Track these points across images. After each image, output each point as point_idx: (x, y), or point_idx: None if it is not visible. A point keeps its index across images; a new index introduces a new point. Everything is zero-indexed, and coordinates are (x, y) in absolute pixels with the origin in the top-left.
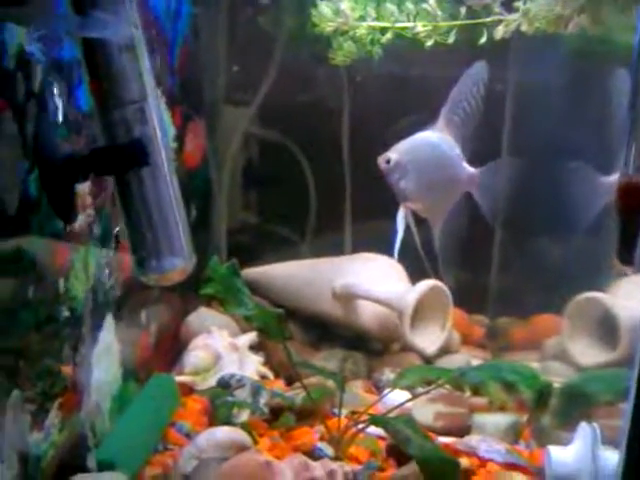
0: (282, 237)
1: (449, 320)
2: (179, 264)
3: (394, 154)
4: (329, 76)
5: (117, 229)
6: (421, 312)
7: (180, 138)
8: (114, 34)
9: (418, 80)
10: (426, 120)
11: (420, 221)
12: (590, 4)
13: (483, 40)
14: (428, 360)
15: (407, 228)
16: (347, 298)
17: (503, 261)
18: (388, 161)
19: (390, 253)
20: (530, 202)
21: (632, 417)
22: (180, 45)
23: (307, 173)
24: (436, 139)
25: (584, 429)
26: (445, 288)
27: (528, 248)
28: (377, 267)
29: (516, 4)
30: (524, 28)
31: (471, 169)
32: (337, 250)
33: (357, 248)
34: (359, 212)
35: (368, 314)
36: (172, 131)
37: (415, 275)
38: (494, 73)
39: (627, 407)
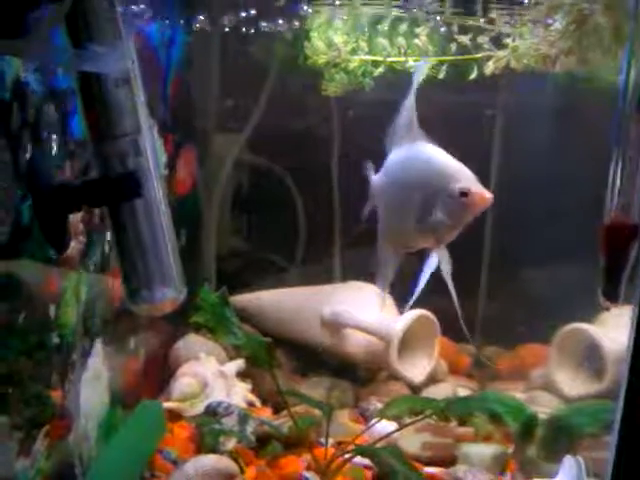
0: (272, 264)
1: (436, 349)
2: (170, 294)
3: None
4: (320, 105)
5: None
6: (408, 341)
7: (171, 165)
8: (110, 68)
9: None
10: None
11: None
12: (576, 46)
13: (473, 75)
14: (415, 389)
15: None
16: (335, 326)
17: (490, 290)
18: None
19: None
20: (517, 231)
21: (617, 450)
22: (173, 73)
23: (297, 200)
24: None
25: (569, 461)
26: (433, 318)
27: (515, 278)
28: (365, 296)
29: (505, 41)
30: (513, 64)
31: None
32: (326, 277)
33: (346, 275)
34: (348, 239)
35: (356, 343)
36: (164, 158)
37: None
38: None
39: (612, 440)
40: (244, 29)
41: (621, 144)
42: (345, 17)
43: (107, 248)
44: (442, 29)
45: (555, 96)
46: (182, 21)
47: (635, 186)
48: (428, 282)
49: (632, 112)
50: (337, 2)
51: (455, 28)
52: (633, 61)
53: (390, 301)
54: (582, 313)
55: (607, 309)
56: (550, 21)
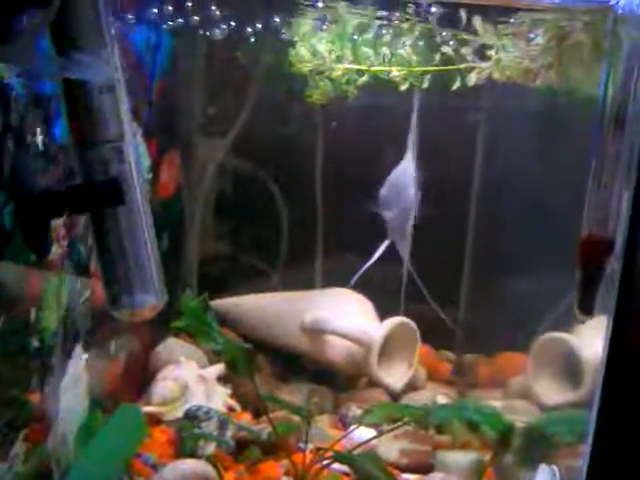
0: (253, 268)
1: (416, 357)
2: (151, 300)
3: (383, 189)
4: (304, 112)
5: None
6: (388, 348)
7: (155, 169)
8: (95, 76)
9: (391, 116)
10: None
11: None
12: (557, 61)
13: (456, 86)
14: (394, 396)
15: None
16: (316, 332)
17: (470, 298)
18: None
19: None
20: (498, 240)
21: (590, 458)
22: (158, 78)
23: (280, 205)
24: (403, 172)
25: (544, 470)
26: (413, 325)
27: (496, 286)
28: (346, 302)
29: (488, 53)
30: (495, 76)
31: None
32: (308, 283)
33: (328, 281)
34: (331, 245)
35: (336, 349)
36: (147, 162)
37: (383, 311)
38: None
39: (586, 448)
40: (229, 35)
41: (599, 158)
42: (329, 25)
43: (88, 252)
44: (426, 39)
45: (535, 109)
46: (167, 26)
47: (612, 200)
48: (408, 290)
49: (610, 127)
50: (321, 11)
51: (439, 39)
52: (611, 77)
53: (371, 308)
54: (560, 322)
55: (582, 322)
56: (532, 36)
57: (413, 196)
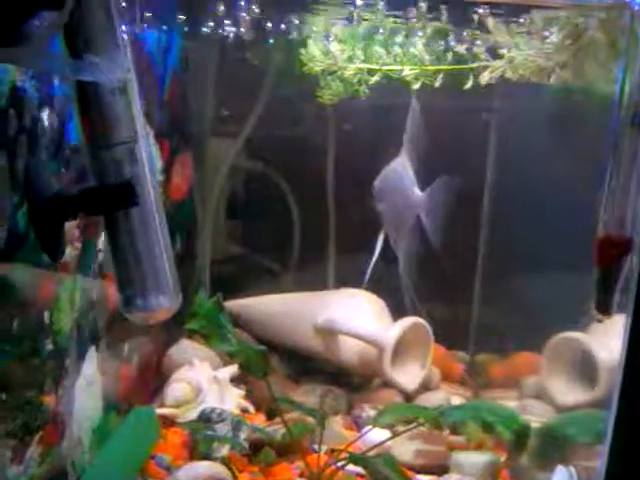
0: (266, 269)
1: (429, 357)
2: (165, 303)
3: (377, 181)
4: (315, 112)
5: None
6: (402, 348)
7: (167, 170)
8: (107, 78)
9: (402, 116)
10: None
11: None
12: (572, 59)
13: (469, 85)
14: (408, 396)
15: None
16: (329, 333)
17: (484, 297)
18: (374, 188)
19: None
20: (512, 239)
21: (608, 459)
22: (169, 78)
23: (292, 205)
24: (397, 165)
25: (561, 471)
26: (426, 325)
27: (510, 285)
28: (359, 303)
29: (501, 51)
30: (508, 75)
31: (418, 192)
32: (321, 283)
33: (340, 281)
34: (343, 245)
35: (349, 350)
36: (159, 164)
37: (397, 311)
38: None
39: (603, 449)
40: (241, 35)
41: (615, 157)
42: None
43: (102, 254)
44: (440, 37)
45: (550, 108)
46: (179, 27)
47: (629, 200)
48: (421, 290)
49: (626, 126)
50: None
51: (452, 37)
52: (627, 75)
53: (384, 308)
54: (576, 321)
55: (599, 321)
56: (546, 34)
57: (409, 190)
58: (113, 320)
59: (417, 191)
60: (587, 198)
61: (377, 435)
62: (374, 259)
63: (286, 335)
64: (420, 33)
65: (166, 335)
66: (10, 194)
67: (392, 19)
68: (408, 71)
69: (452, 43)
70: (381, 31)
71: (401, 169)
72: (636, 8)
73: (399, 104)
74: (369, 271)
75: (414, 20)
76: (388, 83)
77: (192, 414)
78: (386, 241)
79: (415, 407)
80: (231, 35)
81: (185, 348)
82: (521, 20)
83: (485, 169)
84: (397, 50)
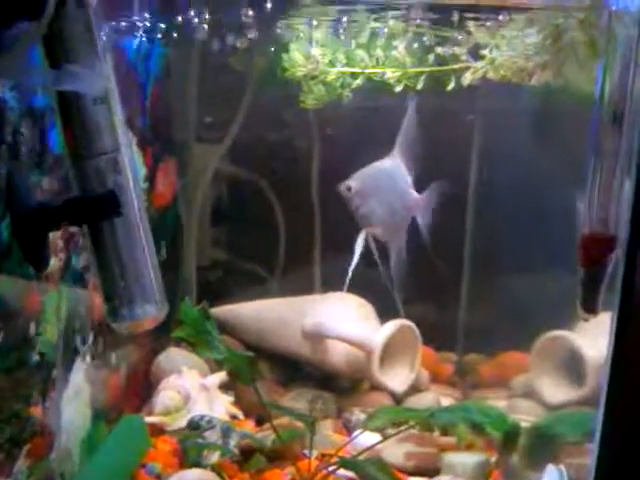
0: (252, 275)
1: (418, 359)
2: (151, 312)
3: (354, 182)
4: (299, 116)
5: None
6: (390, 351)
7: (151, 177)
8: (88, 87)
9: (385, 119)
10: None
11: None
12: (552, 61)
13: (451, 86)
14: (397, 399)
15: (369, 253)
16: (317, 337)
17: (472, 298)
18: (349, 188)
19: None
20: (498, 238)
21: (598, 457)
22: (151, 85)
23: (277, 211)
24: (389, 166)
25: (551, 470)
26: (414, 327)
27: (497, 285)
28: (346, 306)
29: (482, 52)
30: (490, 75)
31: (416, 194)
32: (307, 288)
33: (327, 286)
34: (329, 250)
35: (337, 353)
36: (143, 171)
37: (384, 313)
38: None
39: (593, 447)
40: (222, 41)
41: (598, 156)
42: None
43: (86, 265)
44: (421, 39)
45: (532, 108)
46: (159, 33)
47: (612, 198)
48: (408, 292)
49: (608, 125)
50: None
51: (433, 39)
52: (607, 75)
53: (372, 311)
54: (563, 320)
55: (585, 320)
56: (526, 34)
57: (405, 191)
58: (100, 330)
59: (414, 193)
60: (571, 197)
61: (367, 439)
62: (354, 262)
63: (274, 340)
64: (402, 35)
65: (154, 343)
66: None
67: (373, 22)
68: (390, 74)
69: (433, 44)
70: (363, 34)
71: (394, 170)
72: (614, 8)
73: (384, 106)
74: (349, 275)
75: (395, 22)
76: (372, 87)
77: (181, 422)
78: (368, 243)
79: (405, 409)
80: (213, 41)
81: (173, 356)
82: (502, 20)
83: (470, 171)
84: (379, 53)
